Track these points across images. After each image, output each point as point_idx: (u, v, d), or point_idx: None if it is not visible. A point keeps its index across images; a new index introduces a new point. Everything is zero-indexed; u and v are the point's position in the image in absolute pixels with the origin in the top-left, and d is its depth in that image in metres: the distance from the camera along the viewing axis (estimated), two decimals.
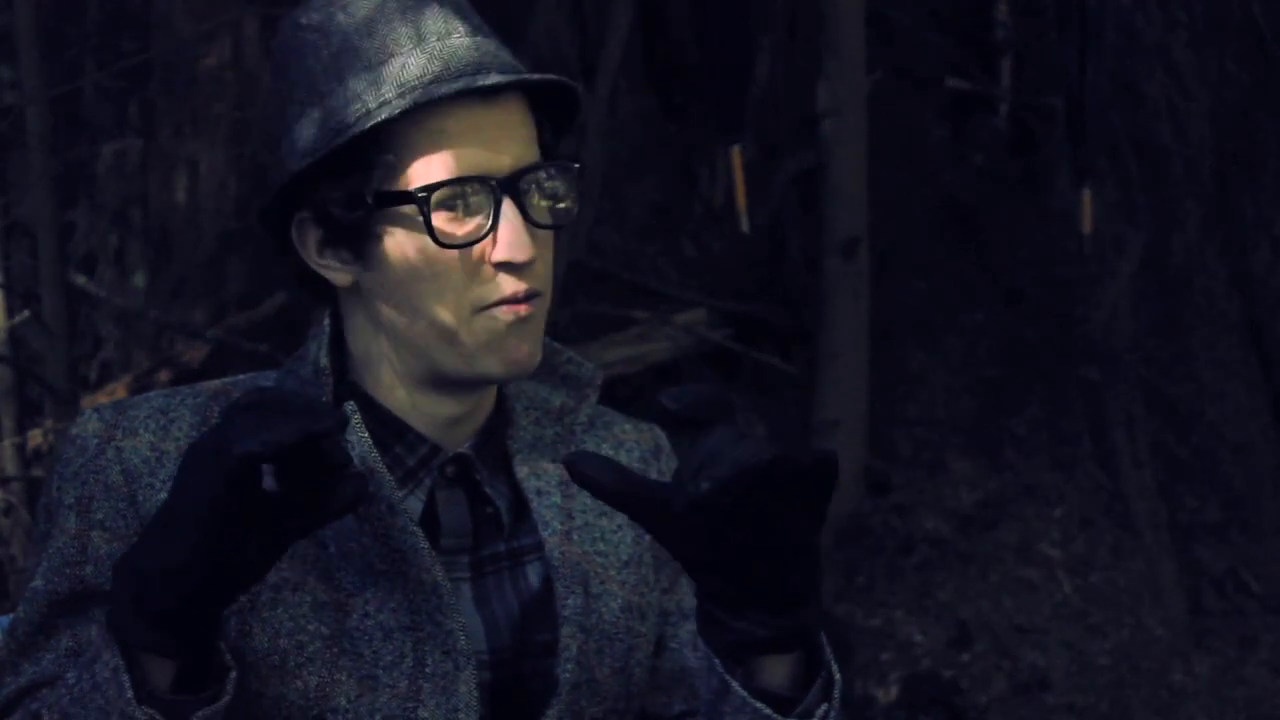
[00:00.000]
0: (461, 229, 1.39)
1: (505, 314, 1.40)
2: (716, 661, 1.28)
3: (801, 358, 5.55)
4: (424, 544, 1.41)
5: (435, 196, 1.37)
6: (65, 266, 4.84)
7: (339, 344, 1.49)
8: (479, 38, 1.42)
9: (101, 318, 5.71)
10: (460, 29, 1.41)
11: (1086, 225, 5.12)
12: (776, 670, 1.30)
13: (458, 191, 1.38)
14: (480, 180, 1.38)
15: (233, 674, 1.28)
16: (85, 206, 5.74)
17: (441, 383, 1.44)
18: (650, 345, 5.50)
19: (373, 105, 1.38)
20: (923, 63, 6.13)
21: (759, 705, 1.28)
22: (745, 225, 5.09)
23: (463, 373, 1.42)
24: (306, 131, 1.41)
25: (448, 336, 1.41)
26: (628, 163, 5.76)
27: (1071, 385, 5.73)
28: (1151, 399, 5.83)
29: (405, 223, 1.39)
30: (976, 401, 5.72)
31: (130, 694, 1.23)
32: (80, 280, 5.55)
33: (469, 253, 1.39)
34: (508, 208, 1.39)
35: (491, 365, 1.42)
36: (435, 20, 1.41)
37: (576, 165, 1.45)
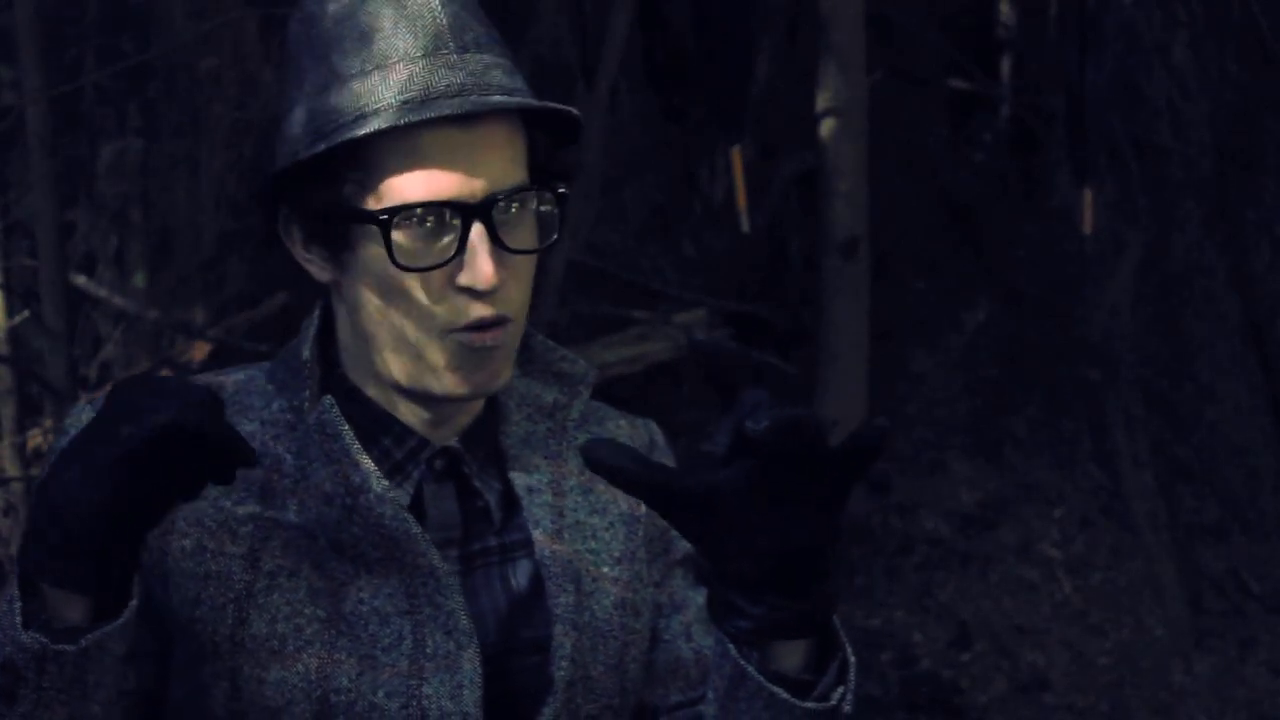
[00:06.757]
0: (429, 251, 1.38)
1: (468, 340, 1.39)
2: (731, 648, 1.27)
3: (801, 358, 5.54)
4: (417, 529, 1.41)
5: (399, 219, 1.36)
6: (65, 266, 4.83)
7: (331, 335, 1.49)
8: (470, 53, 1.39)
9: (101, 318, 5.71)
10: (450, 44, 1.39)
11: (1086, 225, 5.10)
12: (791, 654, 1.29)
13: (427, 214, 1.37)
14: (450, 205, 1.37)
15: (133, 603, 1.26)
16: (85, 206, 5.74)
17: (410, 392, 1.44)
18: (650, 345, 5.49)
19: (349, 119, 1.36)
20: (923, 63, 6.12)
21: (775, 689, 1.28)
22: (745, 225, 5.07)
23: (420, 389, 1.42)
24: (293, 131, 1.41)
25: (411, 353, 1.40)
26: (628, 163, 5.75)
27: (1071, 385, 5.72)
28: (1151, 399, 5.82)
29: (374, 238, 1.38)
30: (976, 401, 5.71)
31: (19, 620, 1.23)
32: (80, 280, 5.54)
33: (434, 275, 1.38)
34: (476, 233, 1.37)
35: (453, 385, 1.41)
36: (425, 33, 1.38)
37: (561, 190, 1.43)
